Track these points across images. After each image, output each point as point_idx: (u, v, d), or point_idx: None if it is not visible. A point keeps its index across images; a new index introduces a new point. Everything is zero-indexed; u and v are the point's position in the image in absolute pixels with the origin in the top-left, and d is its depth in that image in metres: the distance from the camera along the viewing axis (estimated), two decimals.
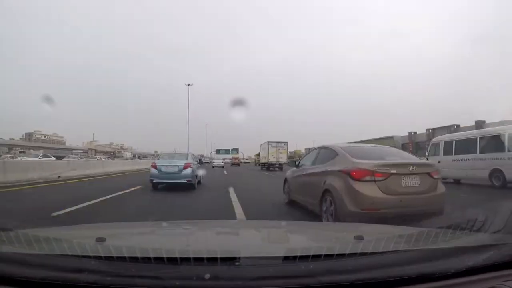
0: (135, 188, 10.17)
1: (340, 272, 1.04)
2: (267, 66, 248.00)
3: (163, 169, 9.97)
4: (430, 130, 38.04)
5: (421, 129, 41.47)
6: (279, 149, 31.44)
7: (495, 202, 7.04)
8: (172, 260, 1.09)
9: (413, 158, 5.05)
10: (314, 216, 5.01)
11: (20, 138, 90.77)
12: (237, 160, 53.06)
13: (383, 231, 2.07)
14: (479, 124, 29.88)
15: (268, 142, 31.97)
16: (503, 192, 9.76)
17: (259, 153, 40.06)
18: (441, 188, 4.51)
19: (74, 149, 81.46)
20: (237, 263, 1.09)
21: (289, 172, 7.16)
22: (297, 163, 6.95)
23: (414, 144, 41.18)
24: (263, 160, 34.38)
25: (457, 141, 13.07)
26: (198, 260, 1.12)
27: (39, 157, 24.28)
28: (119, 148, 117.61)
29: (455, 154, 12.83)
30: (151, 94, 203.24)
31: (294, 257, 1.13)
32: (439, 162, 13.63)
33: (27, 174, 11.89)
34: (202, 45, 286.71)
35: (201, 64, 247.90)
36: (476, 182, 12.05)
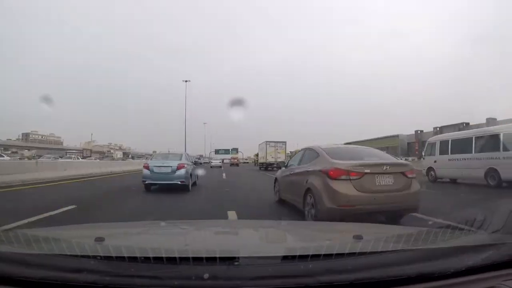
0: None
1: (339, 272, 1.04)
2: (267, 66, 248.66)
3: (156, 170, 9.64)
4: (438, 128, 37.72)
5: (427, 128, 41.14)
6: (277, 149, 31.44)
7: (490, 201, 7.10)
8: (171, 260, 1.09)
9: (389, 159, 5.28)
10: (299, 213, 5.26)
11: (17, 139, 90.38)
12: (235, 160, 53.10)
13: (382, 230, 2.07)
14: (491, 122, 29.78)
15: (266, 142, 31.96)
16: (498, 191, 9.76)
17: (258, 153, 40.10)
18: (416, 186, 4.72)
19: (68, 149, 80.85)
20: (236, 263, 1.09)
21: (279, 172, 7.48)
22: (286, 163, 7.38)
23: (420, 142, 41.13)
24: (261, 160, 34.36)
25: (453, 141, 13.14)
26: (197, 260, 1.11)
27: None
28: (117, 148, 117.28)
29: (451, 153, 12.90)
30: (150, 94, 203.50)
31: (293, 257, 1.13)
32: (435, 161, 13.74)
33: None
34: (201, 45, 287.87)
35: (201, 64, 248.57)
36: (472, 182, 12.11)
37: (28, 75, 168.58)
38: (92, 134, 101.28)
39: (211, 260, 1.11)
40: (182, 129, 41.27)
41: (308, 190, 4.96)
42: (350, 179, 4.36)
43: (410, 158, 36.45)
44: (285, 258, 1.17)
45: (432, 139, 15.28)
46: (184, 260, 1.10)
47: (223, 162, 47.17)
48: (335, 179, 4.44)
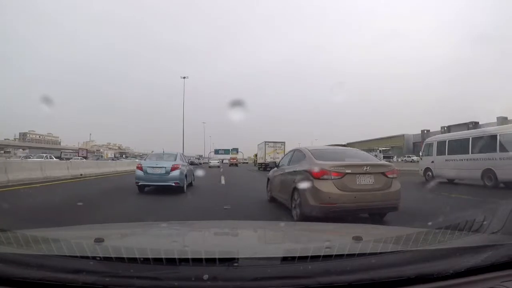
0: None
1: (339, 273, 1.04)
2: (269, 66, 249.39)
3: (149, 170, 9.24)
4: (446, 128, 37.20)
5: (434, 127, 40.52)
6: (276, 149, 31.39)
7: (486, 202, 7.14)
8: (170, 261, 1.09)
9: (370, 160, 5.51)
10: (288, 211, 5.51)
11: (15, 138, 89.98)
12: (235, 160, 52.72)
13: (381, 231, 2.08)
14: (502, 121, 29.58)
15: (265, 142, 31.92)
16: (494, 192, 9.73)
17: (257, 153, 40.09)
18: (396, 186, 4.94)
19: (63, 149, 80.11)
20: (235, 264, 1.09)
21: (271, 172, 7.72)
22: (277, 163, 7.62)
23: None
24: (260, 160, 34.30)
25: (450, 141, 13.18)
26: (197, 260, 1.12)
27: None
28: (116, 148, 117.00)
29: (448, 154, 12.94)
30: (150, 95, 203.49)
31: (293, 258, 1.14)
32: (432, 162, 13.77)
33: None
34: (201, 45, 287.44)
35: (201, 64, 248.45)
36: (469, 182, 12.15)
37: (28, 75, 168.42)
38: (90, 134, 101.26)
39: (211, 261, 1.11)
40: (182, 130, 41.12)
41: (294, 189, 5.20)
42: (332, 179, 4.60)
43: (414, 158, 36.11)
44: (284, 259, 1.17)
45: (429, 139, 15.32)
46: (184, 261, 1.10)
47: (222, 162, 47.14)
48: (318, 178, 4.68)
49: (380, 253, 1.27)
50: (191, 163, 13.99)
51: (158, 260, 1.09)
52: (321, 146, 7.33)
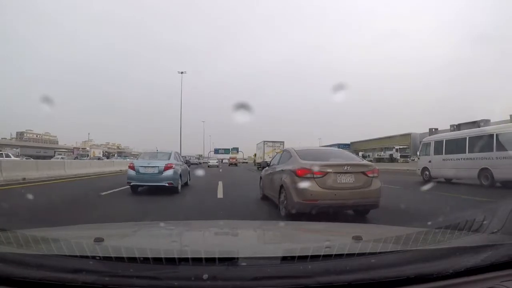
0: None
1: (339, 273, 1.04)
2: (269, 66, 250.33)
3: (142, 170, 8.88)
4: (455, 126, 36.70)
5: (443, 126, 39.93)
6: (275, 149, 31.37)
7: (482, 202, 7.18)
8: (170, 261, 1.09)
9: (352, 160, 5.73)
10: (277, 207, 5.82)
11: (12, 138, 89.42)
12: (234, 159, 52.43)
13: (381, 231, 2.08)
14: None
15: (264, 141, 31.92)
16: (491, 191, 9.74)
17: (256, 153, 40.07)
18: (376, 184, 5.18)
19: (58, 148, 79.19)
20: (235, 264, 1.09)
21: (263, 171, 8.06)
22: (269, 163, 7.85)
23: None
24: (259, 160, 34.29)
25: (447, 141, 13.24)
26: (196, 260, 1.12)
27: None
28: (115, 147, 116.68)
29: (445, 153, 13.00)
30: (150, 95, 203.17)
31: (293, 258, 1.14)
32: (429, 161, 13.81)
33: None
34: (201, 45, 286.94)
35: (201, 64, 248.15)
36: (466, 182, 12.19)
37: (28, 75, 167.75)
38: (89, 134, 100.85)
39: (210, 260, 1.11)
40: (183, 129, 41.19)
41: (281, 186, 5.55)
42: (314, 177, 4.92)
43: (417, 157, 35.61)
44: (284, 258, 1.17)
45: (426, 139, 15.37)
46: (184, 260, 1.10)
47: (222, 162, 47.12)
48: (301, 177, 5.00)
49: (380, 252, 1.27)
50: (187, 162, 13.61)
51: (157, 260, 1.09)
52: (308, 146, 7.89)
